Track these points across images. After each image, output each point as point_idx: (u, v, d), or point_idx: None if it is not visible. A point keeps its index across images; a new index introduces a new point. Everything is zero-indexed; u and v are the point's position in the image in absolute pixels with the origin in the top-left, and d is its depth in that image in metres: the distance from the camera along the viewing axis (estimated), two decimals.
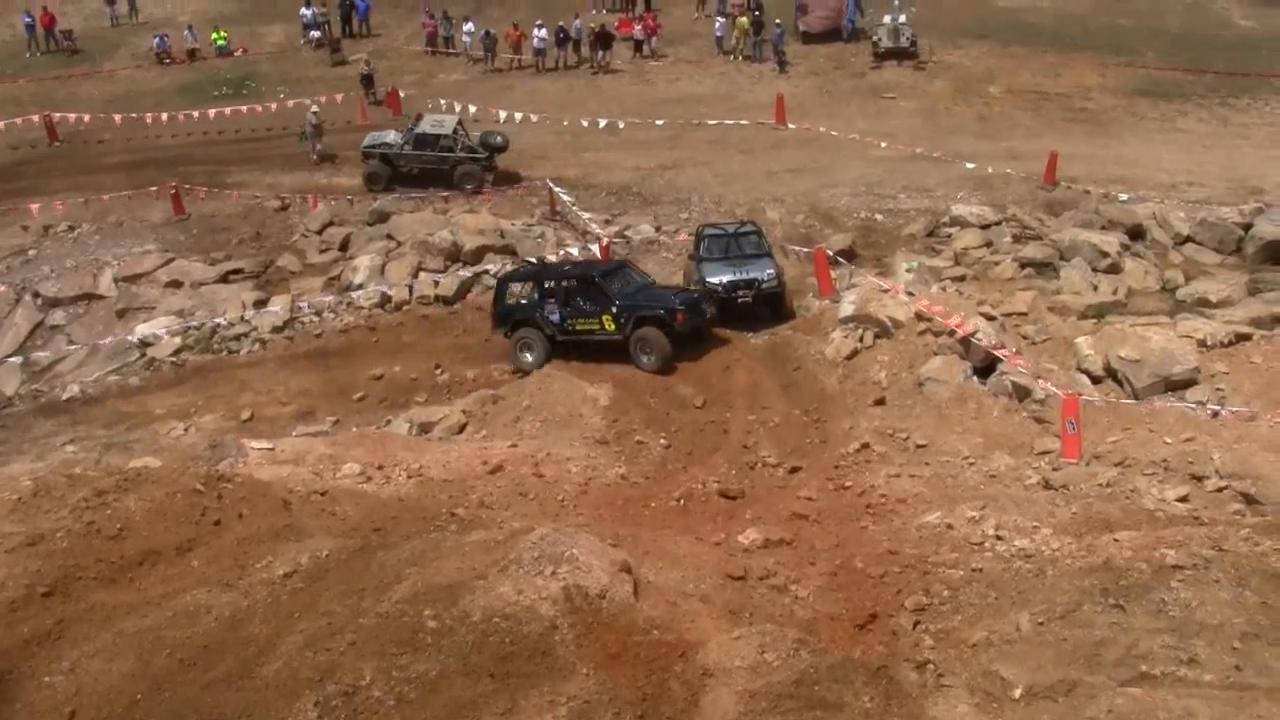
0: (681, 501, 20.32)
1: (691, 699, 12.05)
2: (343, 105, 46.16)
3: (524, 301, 29.54)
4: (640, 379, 26.77)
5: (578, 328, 28.40)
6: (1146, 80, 50.10)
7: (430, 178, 39.61)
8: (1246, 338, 26.58)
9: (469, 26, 54.52)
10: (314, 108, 43.84)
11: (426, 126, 40.31)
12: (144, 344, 30.65)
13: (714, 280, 29.85)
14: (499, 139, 40.32)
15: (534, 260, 33.17)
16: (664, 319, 27.58)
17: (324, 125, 43.50)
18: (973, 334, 26.11)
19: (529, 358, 28.44)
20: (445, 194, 38.77)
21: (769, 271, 30.23)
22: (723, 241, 31.35)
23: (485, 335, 30.16)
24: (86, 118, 46.83)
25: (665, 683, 12.26)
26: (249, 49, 57.07)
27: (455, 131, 40.08)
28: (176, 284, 33.44)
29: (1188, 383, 24.74)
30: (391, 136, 40.58)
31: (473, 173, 39.48)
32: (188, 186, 38.71)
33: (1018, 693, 12.23)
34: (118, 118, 46.06)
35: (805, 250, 32.76)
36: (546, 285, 29.03)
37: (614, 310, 27.97)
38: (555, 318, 28.47)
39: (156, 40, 56.04)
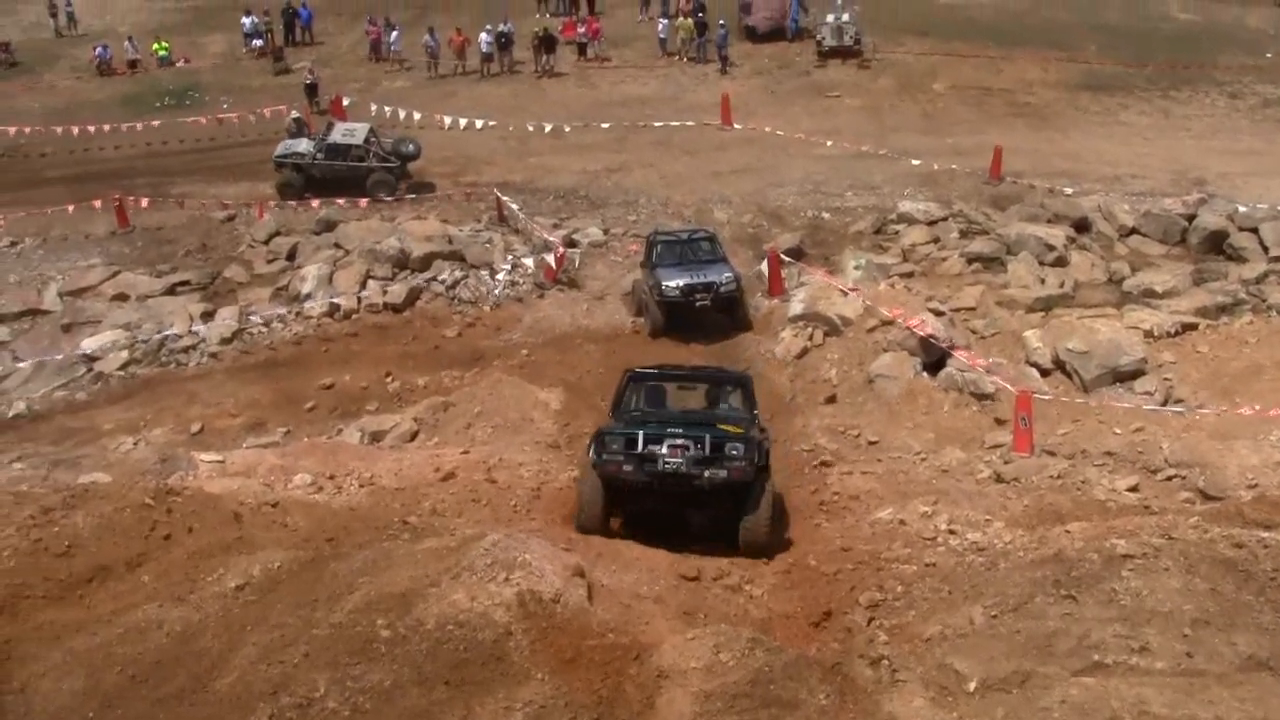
0: None
1: (647, 701, 12.01)
2: (286, 115, 45.76)
3: None
4: (589, 382, 26.74)
5: None
6: (1088, 74, 50.56)
7: (344, 185, 39.18)
8: (1193, 327, 26.91)
9: (395, 34, 54.59)
10: (294, 114, 44.60)
11: (338, 136, 40.22)
12: (91, 358, 30.16)
13: (670, 284, 29.59)
14: (411, 147, 40.32)
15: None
16: None
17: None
18: (930, 336, 26.18)
19: None
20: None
21: (727, 275, 30.11)
22: (676, 247, 31.16)
23: (435, 343, 30.08)
24: (27, 130, 46.43)
25: (620, 685, 12.21)
26: (191, 59, 56.71)
27: (367, 140, 39.94)
28: (123, 297, 33.05)
29: (1135, 373, 24.96)
30: (304, 146, 40.40)
31: (386, 181, 39.34)
32: (132, 198, 38.27)
33: (972, 685, 12.24)
34: (59, 130, 45.64)
35: (752, 254, 32.96)
36: None
37: None
38: None
39: (99, 51, 55.44)
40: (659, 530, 18.05)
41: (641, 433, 18.03)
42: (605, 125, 45.27)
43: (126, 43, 55.84)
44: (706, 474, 17.67)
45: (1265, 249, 32.16)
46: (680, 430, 18.12)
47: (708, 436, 17.90)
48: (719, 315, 30.19)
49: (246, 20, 57.03)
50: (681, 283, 29.55)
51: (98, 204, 37.95)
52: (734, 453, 17.81)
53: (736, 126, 44.93)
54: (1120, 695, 11.46)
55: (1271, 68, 51.65)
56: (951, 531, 17.13)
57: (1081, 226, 34.05)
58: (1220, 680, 11.56)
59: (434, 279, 32.80)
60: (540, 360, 28.56)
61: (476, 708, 11.64)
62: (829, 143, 42.50)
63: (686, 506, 18.33)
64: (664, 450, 17.74)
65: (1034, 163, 39.94)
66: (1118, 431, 22.06)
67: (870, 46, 52.32)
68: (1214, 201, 35.16)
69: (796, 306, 28.91)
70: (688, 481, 17.77)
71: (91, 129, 45.40)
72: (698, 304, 29.62)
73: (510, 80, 52.56)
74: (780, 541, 18.41)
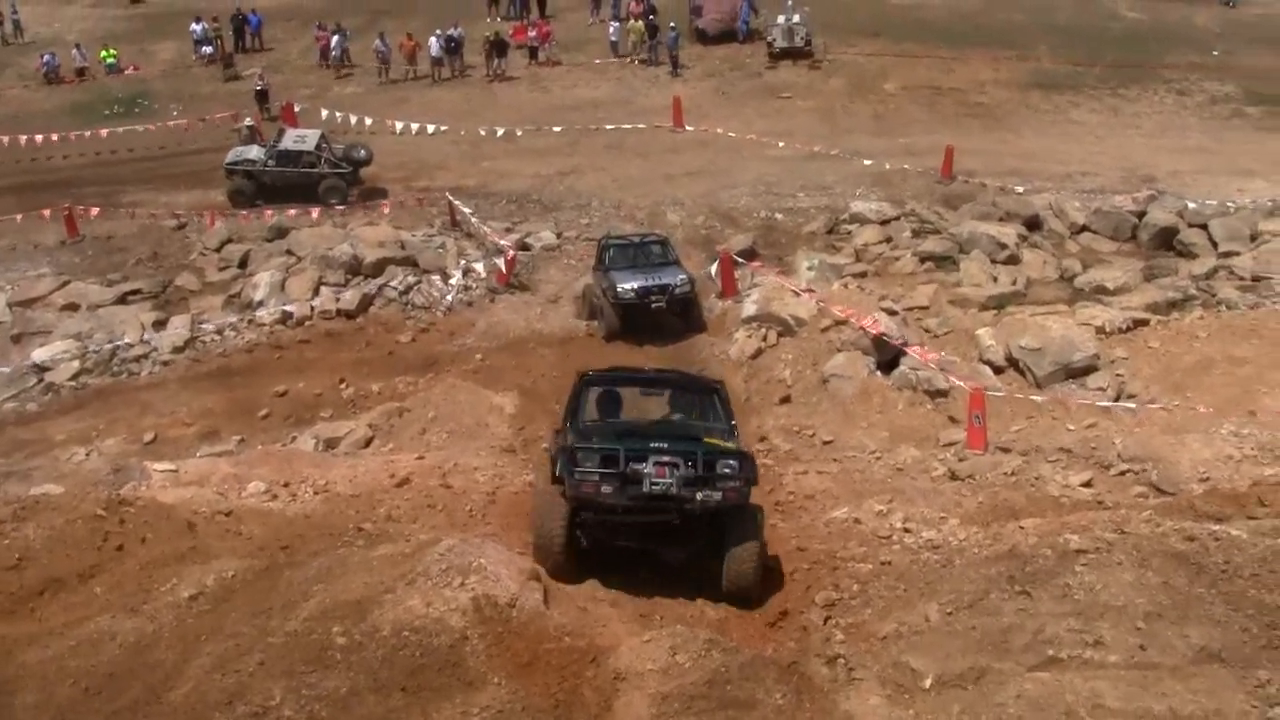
0: None
1: (604, 704, 12.01)
2: (235, 121, 45.54)
3: None
4: (543, 386, 26.72)
5: None
6: (1039, 73, 50.96)
7: (295, 192, 39.06)
8: (1144, 323, 27.11)
9: (336, 39, 54.39)
10: (247, 121, 44.83)
11: (289, 142, 40.13)
12: (41, 369, 29.87)
13: (625, 287, 29.60)
14: (363, 152, 40.28)
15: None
16: None
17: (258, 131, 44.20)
18: (883, 335, 26.26)
19: None
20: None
21: (681, 277, 30.22)
22: (629, 251, 31.29)
23: (388, 349, 29.99)
24: None
25: (578, 689, 12.21)
26: (140, 67, 56.29)
27: (318, 146, 39.81)
28: (73, 307, 32.72)
29: (1088, 369, 25.09)
30: (254, 152, 40.35)
31: (337, 187, 39.27)
32: (81, 208, 37.95)
33: (928, 682, 12.28)
34: (6, 139, 45.27)
35: (704, 256, 33.02)
36: None
37: None
38: None
39: (46, 58, 55.03)
40: (624, 568, 16.06)
41: (623, 448, 15.47)
42: (557, 129, 45.26)
43: (74, 51, 55.42)
44: (699, 496, 15.25)
45: (1214, 245, 32.49)
46: (666, 445, 15.62)
47: (699, 453, 15.58)
48: (673, 317, 30.25)
49: (196, 27, 56.71)
50: (636, 285, 29.59)
51: (46, 213, 37.52)
52: (727, 471, 15.50)
53: (688, 129, 45.03)
54: (1075, 689, 11.52)
55: (1218, 66, 52.14)
56: (907, 530, 17.18)
57: (1033, 224, 34.29)
58: (1173, 673, 11.63)
59: (387, 285, 32.66)
60: (494, 365, 28.52)
61: (434, 713, 11.60)
62: (781, 144, 42.67)
63: (666, 540, 15.94)
64: (649, 469, 15.20)
65: (986, 161, 40.18)
66: (1071, 428, 22.18)
67: (821, 48, 52.48)
68: (1164, 198, 35.51)
69: (750, 307, 28.97)
70: (678, 505, 15.34)
71: (39, 138, 45.10)
72: (653, 306, 29.66)
73: (461, 85, 52.52)
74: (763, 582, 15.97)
